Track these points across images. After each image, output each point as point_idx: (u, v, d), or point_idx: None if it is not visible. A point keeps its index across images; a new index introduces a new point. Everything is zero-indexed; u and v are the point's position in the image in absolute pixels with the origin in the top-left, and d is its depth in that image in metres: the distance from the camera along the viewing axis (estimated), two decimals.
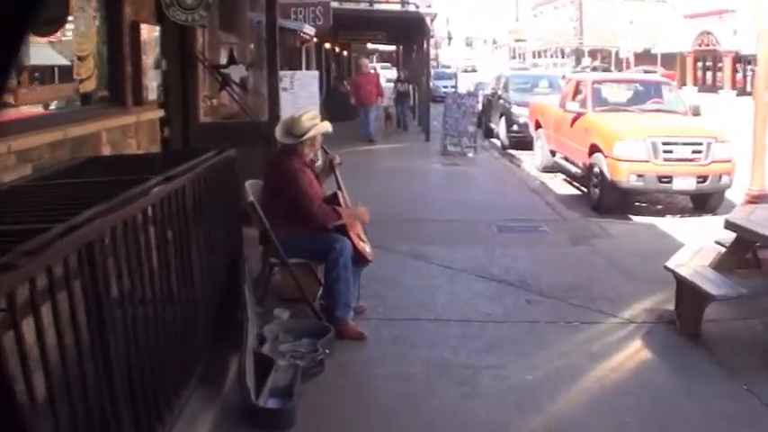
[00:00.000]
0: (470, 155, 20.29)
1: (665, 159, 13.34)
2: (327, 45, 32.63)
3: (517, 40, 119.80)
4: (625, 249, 10.45)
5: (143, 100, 8.85)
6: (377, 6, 27.89)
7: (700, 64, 61.67)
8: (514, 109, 23.04)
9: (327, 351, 6.14)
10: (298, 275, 7.08)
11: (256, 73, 14.65)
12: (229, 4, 15.13)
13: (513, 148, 23.10)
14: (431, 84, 39.02)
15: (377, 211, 12.27)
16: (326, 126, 7.30)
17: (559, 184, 17.13)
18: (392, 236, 10.47)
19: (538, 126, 19.00)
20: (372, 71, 26.46)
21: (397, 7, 28.64)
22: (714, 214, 13.70)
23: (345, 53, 44.99)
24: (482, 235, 11.18)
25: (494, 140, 25.25)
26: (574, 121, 15.50)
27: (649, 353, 6.93)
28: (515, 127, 22.81)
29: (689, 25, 59.29)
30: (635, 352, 6.86)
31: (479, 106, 29.41)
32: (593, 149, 14.16)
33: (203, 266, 5.48)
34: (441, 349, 6.68)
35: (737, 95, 50.74)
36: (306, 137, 6.94)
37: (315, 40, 26.35)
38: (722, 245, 8.06)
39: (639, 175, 13.26)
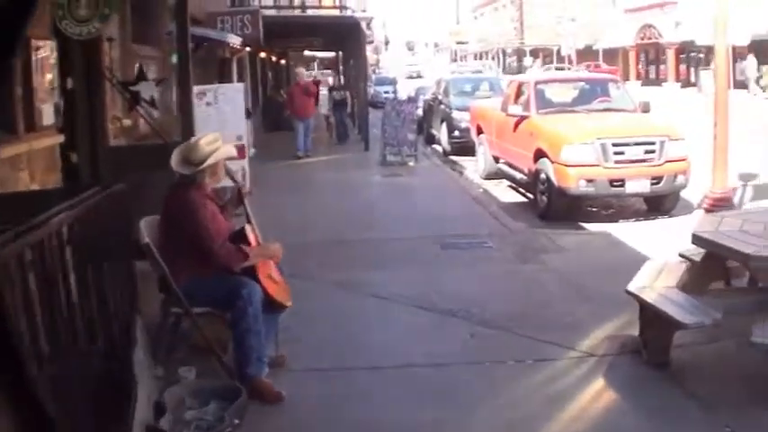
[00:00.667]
0: (411, 164, 19.38)
1: (617, 162, 12.51)
2: (263, 54, 31.62)
3: (458, 43, 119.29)
4: (578, 264, 9.60)
5: (36, 125, 7.88)
6: (310, 12, 26.95)
7: (642, 57, 61.41)
8: (455, 114, 22.19)
9: (237, 421, 5.16)
10: (204, 326, 6.05)
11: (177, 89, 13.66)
12: (145, 15, 14.10)
13: (455, 155, 22.24)
14: (371, 90, 38.17)
15: (305, 235, 11.61)
16: (230, 150, 6.35)
17: (504, 192, 16.29)
18: (321, 262, 9.60)
19: (479, 131, 18.14)
20: (311, 80, 24.94)
21: (334, 12, 27.67)
22: (670, 216, 13.02)
23: (283, 62, 44.01)
24: (423, 255, 10.25)
25: (436, 147, 24.36)
26: (517, 125, 14.66)
27: (615, 392, 6.04)
28: (457, 133, 21.95)
29: (630, 19, 59.00)
30: (599, 392, 5.98)
31: (420, 112, 28.67)
32: (539, 154, 13.32)
33: (79, 329, 4.46)
34: (374, 406, 5.72)
35: (681, 87, 50.52)
36: (205, 164, 5.95)
37: (247, 49, 25.32)
38: (688, 258, 7.22)
39: (589, 180, 12.43)
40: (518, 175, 15.01)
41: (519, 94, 15.69)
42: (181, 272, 5.80)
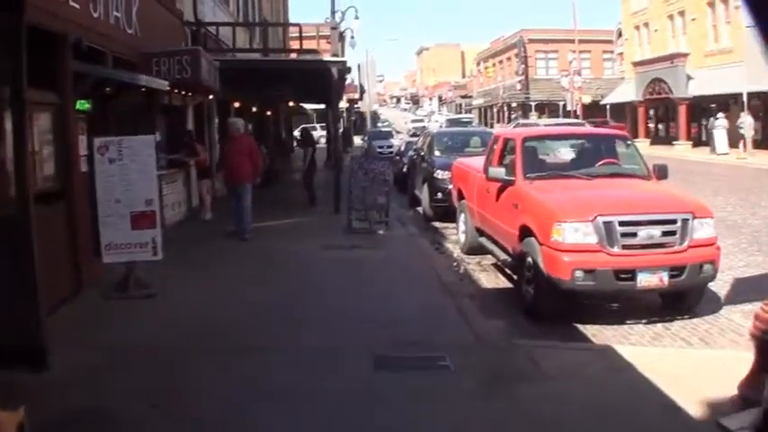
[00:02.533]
0: (381, 232, 16.35)
1: (625, 246, 9.49)
2: (237, 104, 28.78)
3: (463, 97, 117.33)
4: (563, 405, 6.57)
5: None
6: (274, 57, 24.13)
7: (651, 114, 58.51)
8: (438, 173, 19.28)
9: None
10: None
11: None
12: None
13: (439, 220, 19.28)
14: (360, 144, 35.60)
15: (189, 338, 8.69)
16: None
17: (488, 273, 13.31)
18: (189, 388, 6.62)
19: (460, 196, 15.17)
20: (245, 133, 18.15)
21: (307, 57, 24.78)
22: (692, 315, 10.02)
23: (269, 113, 41.17)
24: (345, 380, 7.20)
25: (420, 209, 21.36)
26: (500, 192, 11.73)
27: None
28: (440, 195, 18.99)
29: (638, 73, 56.13)
30: None
31: (404, 169, 25.82)
32: (525, 232, 10.36)
33: None
34: None
35: (693, 146, 47.58)
36: None
37: (210, 97, 22.48)
38: None
39: (588, 271, 9.39)
40: (502, 255, 12.01)
41: (503, 152, 12.75)
42: None
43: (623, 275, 9.44)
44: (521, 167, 11.37)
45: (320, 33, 23.14)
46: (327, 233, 16.38)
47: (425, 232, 17.89)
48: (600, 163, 11.96)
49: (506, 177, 11.41)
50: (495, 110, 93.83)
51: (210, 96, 22.09)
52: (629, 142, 12.84)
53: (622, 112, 61.41)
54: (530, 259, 10.11)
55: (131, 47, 14.42)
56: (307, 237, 15.86)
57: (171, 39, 16.98)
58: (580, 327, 9.77)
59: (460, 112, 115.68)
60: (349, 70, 35.13)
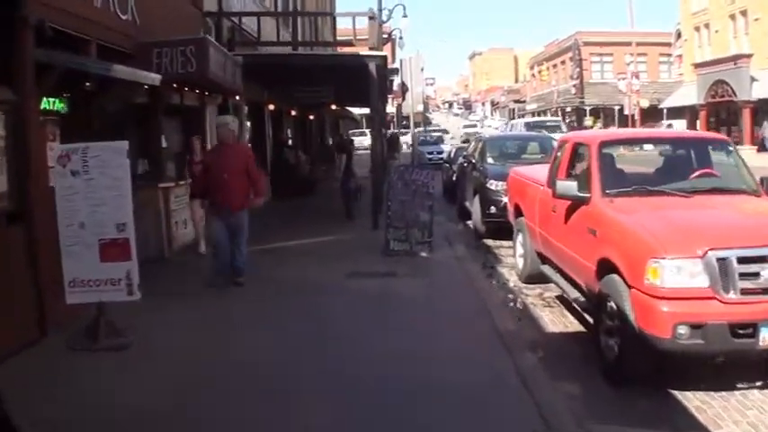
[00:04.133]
0: (423, 254, 13.91)
1: (744, 291, 6.90)
2: (271, 107, 26.58)
3: (516, 102, 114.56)
4: None
5: None
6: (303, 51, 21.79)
7: (713, 118, 55.19)
8: (492, 184, 16.78)
9: None
10: None
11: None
12: None
13: (491, 237, 16.80)
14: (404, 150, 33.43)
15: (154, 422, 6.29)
16: None
17: (554, 307, 10.83)
18: None
19: (518, 212, 12.68)
20: (240, 143, 14.38)
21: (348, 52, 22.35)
22: None
23: (312, 117, 38.95)
24: None
25: (470, 224, 18.88)
26: (570, 212, 9.21)
27: None
28: (493, 209, 16.47)
29: (699, 75, 53.04)
30: None
31: (454, 177, 23.40)
32: (605, 268, 7.83)
33: None
34: None
35: (758, 151, 44.46)
36: None
37: (237, 98, 20.24)
38: None
39: (697, 326, 6.82)
40: (573, 292, 9.47)
41: (572, 161, 10.24)
42: None
43: (741, 331, 6.87)
44: (598, 181, 8.81)
45: (356, 27, 20.54)
46: (359, 255, 13.98)
47: (475, 252, 15.38)
48: (695, 175, 9.35)
49: (579, 194, 8.86)
50: (549, 115, 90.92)
51: (237, 97, 19.83)
52: (730, 148, 10.13)
53: (681, 116, 58.22)
54: (612, 304, 7.60)
55: (126, 35, 12.21)
56: (334, 260, 13.48)
57: (185, 30, 14.61)
58: (678, 395, 7.27)
59: (513, 117, 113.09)
60: (395, 72, 32.83)
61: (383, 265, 13.04)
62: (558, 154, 10.71)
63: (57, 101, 10.24)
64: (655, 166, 10.41)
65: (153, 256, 12.89)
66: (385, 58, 18.87)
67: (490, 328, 8.96)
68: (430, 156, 41.80)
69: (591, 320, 9.05)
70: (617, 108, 68.51)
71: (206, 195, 12.04)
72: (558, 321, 10.12)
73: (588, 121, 73.24)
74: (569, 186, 8.95)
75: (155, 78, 12.01)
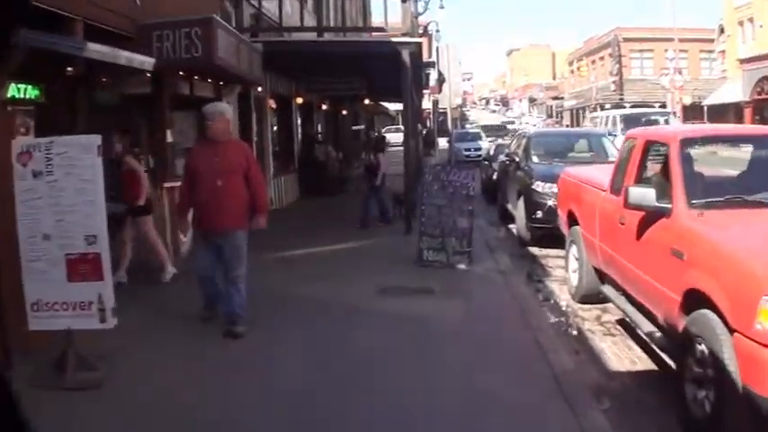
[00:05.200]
0: (462, 266, 12.24)
1: None
2: (299, 100, 25.00)
3: (554, 98, 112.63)
4: None
5: None
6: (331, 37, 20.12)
7: (758, 116, 52.78)
8: (538, 186, 15.03)
9: None
10: None
11: None
12: None
13: (536, 244, 15.10)
14: (436, 144, 32.07)
15: None
16: None
17: (617, 336, 9.13)
18: None
19: (571, 219, 10.96)
20: (231, 139, 9.44)
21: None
22: None
23: (345, 112, 37.38)
24: None
25: (513, 228, 17.18)
26: (644, 225, 7.46)
27: None
28: (540, 214, 14.74)
29: (745, 71, 50.84)
30: None
31: (494, 176, 21.72)
32: (695, 301, 6.11)
33: None
34: None
35: None
36: None
37: (259, 89, 18.73)
38: None
39: None
40: (645, 325, 7.69)
41: (643, 162, 8.51)
42: None
43: None
44: (681, 189, 7.04)
45: (389, 21, 18.89)
46: (391, 265, 12.37)
47: (520, 262, 13.67)
48: None
49: (658, 204, 7.11)
50: (587, 112, 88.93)
51: (260, 89, 18.28)
52: None
53: (724, 113, 55.85)
54: (703, 348, 5.90)
55: (125, 17, 10.67)
56: (362, 272, 11.87)
57: (195, 13, 12.99)
58: None
59: (551, 115, 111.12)
60: (432, 65, 31.11)
61: (417, 278, 11.38)
62: (628, 153, 8.90)
63: (29, 87, 8.69)
64: (737, 167, 8.70)
65: (157, 265, 11.38)
66: (420, 45, 17.15)
67: (544, 368, 7.27)
68: (467, 153, 40.00)
69: (669, 359, 7.37)
70: (657, 105, 66.53)
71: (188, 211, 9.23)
72: (623, 356, 8.38)
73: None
74: (646, 194, 7.17)
75: (144, 62, 10.42)
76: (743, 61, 52.26)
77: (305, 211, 21.01)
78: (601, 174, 10.21)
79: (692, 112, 60.86)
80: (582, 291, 10.32)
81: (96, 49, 8.89)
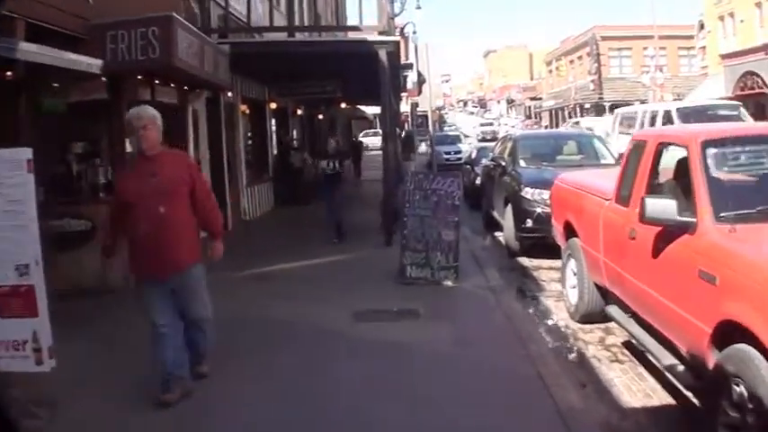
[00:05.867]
0: (448, 283, 11.28)
1: None
2: (273, 105, 24.02)
3: (533, 99, 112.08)
4: None
5: None
6: (301, 37, 19.12)
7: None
8: (527, 192, 14.07)
9: None
10: None
11: None
12: None
13: (526, 254, 14.16)
14: (414, 147, 31.18)
15: None
16: None
17: (624, 363, 8.16)
18: None
19: (569, 231, 10.00)
20: (175, 152, 7.67)
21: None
22: None
23: (321, 117, 36.37)
24: None
25: (498, 236, 16.23)
26: (663, 241, 6.46)
27: None
28: (529, 222, 13.79)
29: (727, 67, 50.21)
30: None
31: (477, 181, 20.84)
32: (729, 333, 5.15)
33: None
34: None
35: None
36: None
37: (229, 94, 17.74)
38: None
39: None
40: (665, 358, 6.65)
41: (655, 168, 7.53)
42: None
43: None
44: (707, 199, 6.06)
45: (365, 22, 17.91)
46: (370, 283, 11.40)
47: (511, 275, 12.73)
48: None
49: (680, 218, 6.14)
50: (566, 112, 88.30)
51: (230, 94, 17.25)
52: None
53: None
54: (742, 390, 4.96)
55: (76, 17, 9.67)
56: (338, 290, 10.89)
57: (154, 12, 11.91)
58: None
59: (530, 116, 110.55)
60: (410, 67, 30.14)
61: (399, 298, 10.36)
62: (636, 157, 7.90)
63: None
64: (753, 170, 7.70)
65: (115, 285, 10.37)
66: (398, 44, 16.18)
67: (547, 406, 6.30)
68: (447, 156, 39.03)
69: (694, 398, 6.43)
70: (637, 104, 66.08)
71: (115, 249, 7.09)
72: (635, 388, 7.40)
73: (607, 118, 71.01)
74: (667, 207, 6.15)
75: (92, 65, 9.38)
76: (725, 57, 51.57)
77: (279, 222, 20.06)
78: (600, 179, 9.29)
79: None
80: (582, 310, 9.36)
81: (32, 50, 7.85)
